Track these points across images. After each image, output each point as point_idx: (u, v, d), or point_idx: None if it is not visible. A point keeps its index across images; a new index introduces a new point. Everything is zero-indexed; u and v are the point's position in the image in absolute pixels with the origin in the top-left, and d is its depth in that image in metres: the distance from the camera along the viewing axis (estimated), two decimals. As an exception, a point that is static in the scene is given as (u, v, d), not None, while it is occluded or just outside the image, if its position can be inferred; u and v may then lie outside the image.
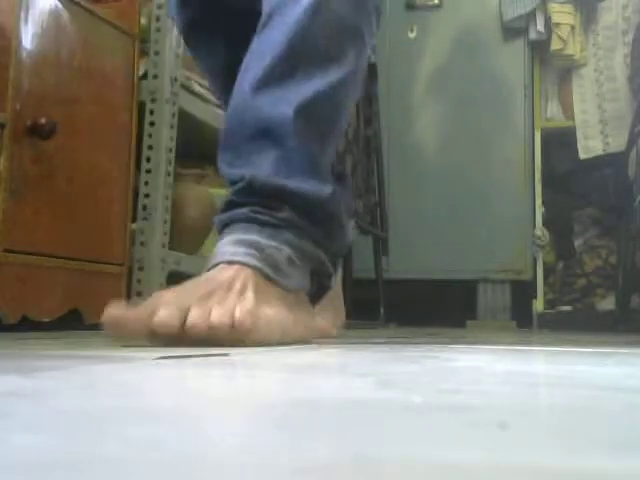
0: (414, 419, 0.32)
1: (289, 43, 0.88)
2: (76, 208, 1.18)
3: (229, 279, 0.78)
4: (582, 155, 2.47)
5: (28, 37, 1.09)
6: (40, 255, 1.10)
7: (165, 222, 1.39)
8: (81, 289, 1.20)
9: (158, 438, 0.26)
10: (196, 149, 1.73)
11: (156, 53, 1.41)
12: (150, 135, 1.39)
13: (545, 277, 2.45)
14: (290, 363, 0.62)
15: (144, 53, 1.40)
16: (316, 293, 0.95)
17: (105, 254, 1.26)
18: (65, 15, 1.18)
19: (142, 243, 1.36)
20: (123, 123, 1.32)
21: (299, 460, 0.23)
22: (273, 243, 0.84)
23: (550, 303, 2.46)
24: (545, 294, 2.44)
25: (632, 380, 0.54)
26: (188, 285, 0.78)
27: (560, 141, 2.60)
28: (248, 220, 0.85)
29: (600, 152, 2.45)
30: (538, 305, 2.42)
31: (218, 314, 0.73)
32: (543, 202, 2.49)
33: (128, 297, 1.32)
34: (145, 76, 1.41)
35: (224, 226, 0.86)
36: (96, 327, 1.26)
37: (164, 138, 1.39)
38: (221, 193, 1.65)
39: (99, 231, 1.24)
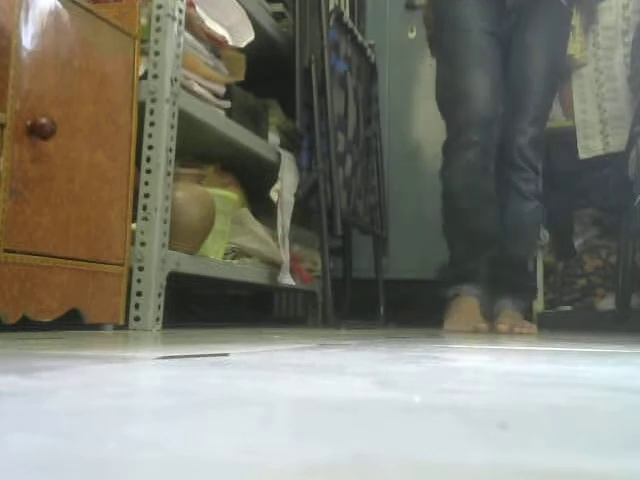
0: (414, 419, 0.32)
1: None
2: (76, 208, 1.18)
3: None
4: (582, 155, 2.47)
5: (28, 37, 1.09)
6: (40, 255, 1.10)
7: (165, 222, 1.38)
8: (81, 289, 1.20)
9: (157, 438, 0.26)
10: (196, 149, 1.72)
11: (156, 53, 1.41)
12: (150, 135, 1.39)
13: (545, 277, 2.45)
14: (290, 363, 0.62)
15: (144, 53, 1.40)
16: None
17: (105, 254, 1.26)
18: (65, 15, 1.18)
19: (142, 243, 1.35)
20: (123, 123, 1.32)
21: (300, 460, 0.22)
22: None
23: (550, 303, 2.46)
24: (545, 294, 2.44)
25: (632, 380, 0.54)
26: None
27: (560, 141, 2.59)
28: None
29: (600, 152, 2.45)
30: (538, 305, 2.41)
31: None
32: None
33: (128, 297, 1.32)
34: (145, 76, 1.40)
35: None
36: (96, 327, 1.27)
37: (164, 138, 1.39)
38: (221, 193, 1.65)
39: (99, 231, 1.24)
